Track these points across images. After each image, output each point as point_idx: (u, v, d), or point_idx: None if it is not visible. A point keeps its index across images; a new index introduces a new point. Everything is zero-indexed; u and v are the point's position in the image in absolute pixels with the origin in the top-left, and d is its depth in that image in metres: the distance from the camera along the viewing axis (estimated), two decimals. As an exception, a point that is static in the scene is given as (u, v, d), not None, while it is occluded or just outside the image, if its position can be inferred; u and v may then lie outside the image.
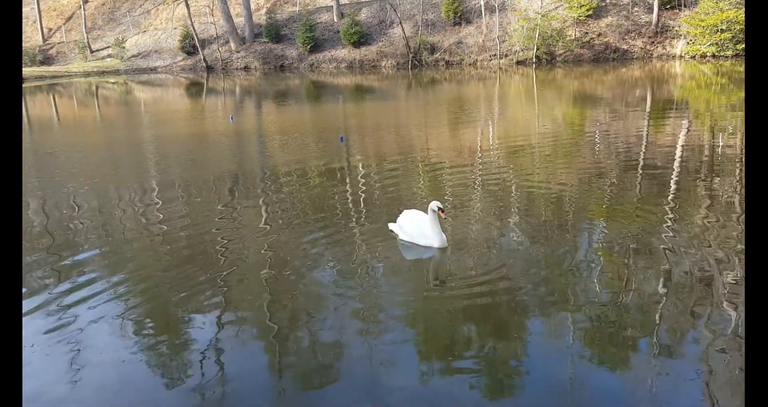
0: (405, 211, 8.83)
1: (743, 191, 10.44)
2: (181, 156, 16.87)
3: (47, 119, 28.42)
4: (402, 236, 8.70)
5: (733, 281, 6.66)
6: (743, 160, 13.01)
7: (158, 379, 5.32)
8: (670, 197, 10.37)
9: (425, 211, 8.48)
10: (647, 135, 17.29)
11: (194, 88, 43.14)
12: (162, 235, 9.46)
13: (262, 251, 8.47)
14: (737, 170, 12.09)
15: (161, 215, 10.57)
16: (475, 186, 11.84)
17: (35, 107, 33.26)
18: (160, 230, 9.70)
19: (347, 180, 12.84)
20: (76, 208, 11.35)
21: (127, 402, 4.99)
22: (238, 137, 20.06)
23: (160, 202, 11.56)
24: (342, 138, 17.57)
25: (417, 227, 8.44)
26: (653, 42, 44.34)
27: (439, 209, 8.04)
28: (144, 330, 6.29)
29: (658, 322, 5.80)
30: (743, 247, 7.62)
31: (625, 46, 44.56)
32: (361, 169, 14.01)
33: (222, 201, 11.56)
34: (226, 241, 8.95)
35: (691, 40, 41.64)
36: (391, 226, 9.03)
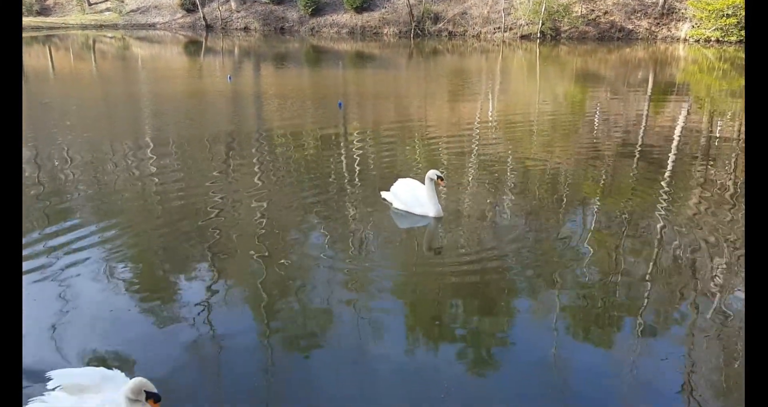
0: (399, 179, 8.78)
1: (737, 176, 10.46)
2: (176, 114, 16.69)
3: (43, 70, 27.98)
4: (396, 204, 8.66)
5: (721, 266, 6.71)
6: (740, 146, 13.02)
7: (146, 332, 5.32)
8: (665, 180, 10.38)
9: (421, 180, 8.45)
10: (647, 117, 17.22)
11: (192, 47, 42.48)
12: (154, 190, 9.41)
13: (255, 214, 8.45)
14: (733, 156, 12.09)
15: (154, 169, 10.50)
16: (472, 159, 11.80)
17: (30, 58, 32.69)
18: (152, 185, 9.64)
19: (343, 147, 12.76)
20: (69, 160, 11.24)
21: (114, 350, 4.97)
22: (235, 98, 19.85)
23: (154, 157, 11.47)
24: (340, 104, 17.41)
25: (413, 196, 8.42)
26: (658, 23, 43.84)
27: (438, 177, 7.99)
28: (133, 283, 6.29)
29: (644, 303, 5.86)
30: (734, 232, 7.66)
31: (630, 26, 44.04)
32: (357, 136, 13.92)
33: (216, 161, 11.48)
34: (218, 200, 8.91)
35: (696, 24, 41.19)
36: (384, 194, 8.99)
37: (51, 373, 3.81)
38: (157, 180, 9.83)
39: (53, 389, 3.75)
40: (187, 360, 4.96)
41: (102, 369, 3.96)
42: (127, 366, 4.72)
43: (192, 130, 14.48)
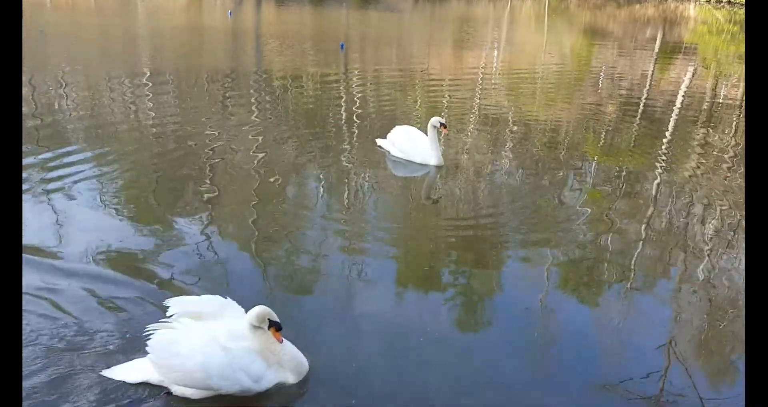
0: (398, 127, 8.61)
1: (737, 141, 10.42)
2: (174, 49, 16.33)
3: (39, 1, 27.12)
4: (394, 152, 8.51)
5: (712, 229, 6.76)
6: (742, 111, 12.91)
7: (143, 265, 5.30)
8: (664, 142, 10.33)
9: (421, 129, 8.35)
10: (651, 77, 16.99)
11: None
12: (151, 126, 9.29)
13: (250, 155, 8.36)
14: (734, 121, 12.01)
15: (151, 104, 10.35)
16: (473, 110, 11.67)
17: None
18: (148, 121, 9.52)
19: (343, 91, 12.58)
20: (66, 92, 11.05)
21: (105, 277, 4.96)
22: (234, 36, 19.39)
23: (151, 94, 11.28)
24: (342, 45, 17.06)
25: (413, 144, 8.28)
26: (673, -20, 42.69)
27: (442, 124, 7.84)
28: (125, 217, 6.24)
29: (634, 263, 5.91)
30: (728, 197, 7.68)
31: (643, -18, 42.91)
32: (357, 81, 13.70)
33: (213, 100, 11.30)
34: (215, 139, 8.81)
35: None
36: (381, 142, 8.83)
37: (170, 300, 3.84)
38: (154, 116, 9.70)
39: (171, 316, 3.79)
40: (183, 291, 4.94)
41: (218, 297, 3.97)
42: (116, 294, 4.72)
43: (190, 66, 14.19)
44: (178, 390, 3.71)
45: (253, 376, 3.66)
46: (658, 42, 24.60)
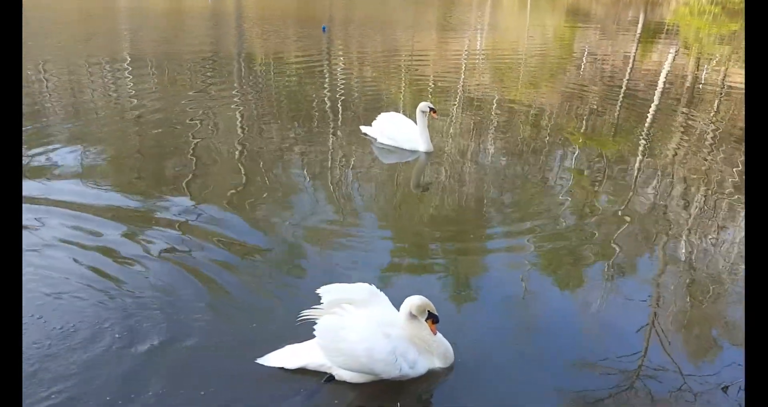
0: (384, 113, 8.53)
1: (718, 123, 10.54)
2: (155, 32, 16.10)
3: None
4: (382, 139, 8.42)
5: (694, 212, 6.87)
6: (723, 92, 13.05)
7: (118, 244, 5.27)
8: (646, 125, 10.42)
9: (407, 114, 8.33)
10: (634, 59, 17.07)
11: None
12: (131, 110, 9.18)
13: (234, 144, 8.30)
14: (715, 103, 12.14)
15: (132, 91, 10.22)
16: (457, 95, 11.68)
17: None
18: (129, 105, 9.40)
19: (326, 77, 12.51)
20: (45, 77, 10.88)
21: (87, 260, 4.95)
22: (216, 19, 19.15)
23: (131, 77, 11.14)
24: (324, 28, 16.91)
25: (401, 131, 8.21)
26: (655, -39, 42.72)
27: (431, 109, 7.75)
28: (108, 198, 6.17)
29: (616, 245, 6.00)
30: (709, 179, 7.80)
31: (626, -37, 42.89)
32: (341, 66, 13.62)
33: (195, 84, 11.19)
34: (198, 125, 8.74)
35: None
36: (366, 129, 8.73)
37: (323, 288, 3.90)
38: (135, 102, 9.59)
39: (324, 303, 3.86)
40: (157, 268, 4.92)
41: (367, 285, 4.02)
42: (100, 275, 4.71)
43: (170, 50, 14.01)
44: (342, 373, 3.80)
45: (409, 362, 3.77)
46: (640, 24, 24.69)
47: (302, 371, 3.85)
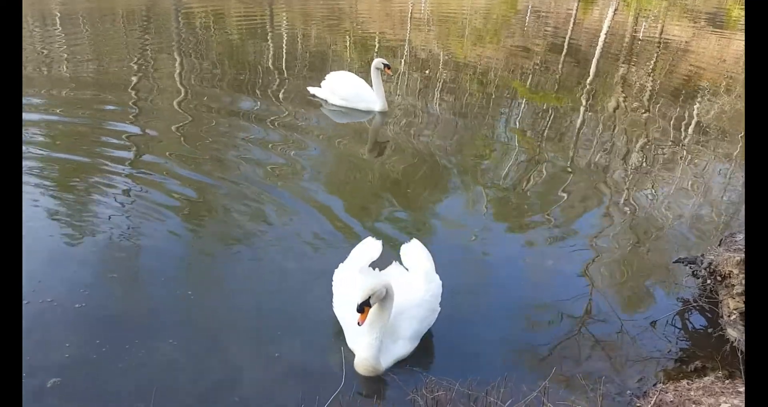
0: (334, 73, 8.18)
1: (655, 78, 10.87)
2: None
3: None
4: (334, 100, 8.11)
5: (633, 165, 7.13)
6: (661, 48, 13.41)
7: (53, 221, 5.10)
8: (588, 81, 10.65)
9: (355, 72, 8.18)
10: (575, 15, 17.28)
11: None
12: (66, 71, 8.74)
13: (175, 107, 7.94)
14: (653, 58, 12.48)
15: (64, 47, 9.71)
16: (404, 54, 11.60)
17: None
18: (63, 67, 8.95)
19: (269, 35, 12.19)
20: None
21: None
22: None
23: (63, 34, 10.59)
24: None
25: (354, 91, 7.92)
26: None
27: (386, 65, 7.50)
28: (42, 169, 5.94)
29: (557, 201, 6.17)
30: (648, 133, 8.08)
31: None
32: (285, 23, 13.29)
33: (132, 44, 10.72)
34: (135, 82, 8.41)
35: None
36: (314, 90, 8.38)
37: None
38: (67, 63, 9.13)
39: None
40: (99, 246, 4.80)
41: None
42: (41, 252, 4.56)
43: (103, 7, 13.34)
44: None
45: None
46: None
47: None
